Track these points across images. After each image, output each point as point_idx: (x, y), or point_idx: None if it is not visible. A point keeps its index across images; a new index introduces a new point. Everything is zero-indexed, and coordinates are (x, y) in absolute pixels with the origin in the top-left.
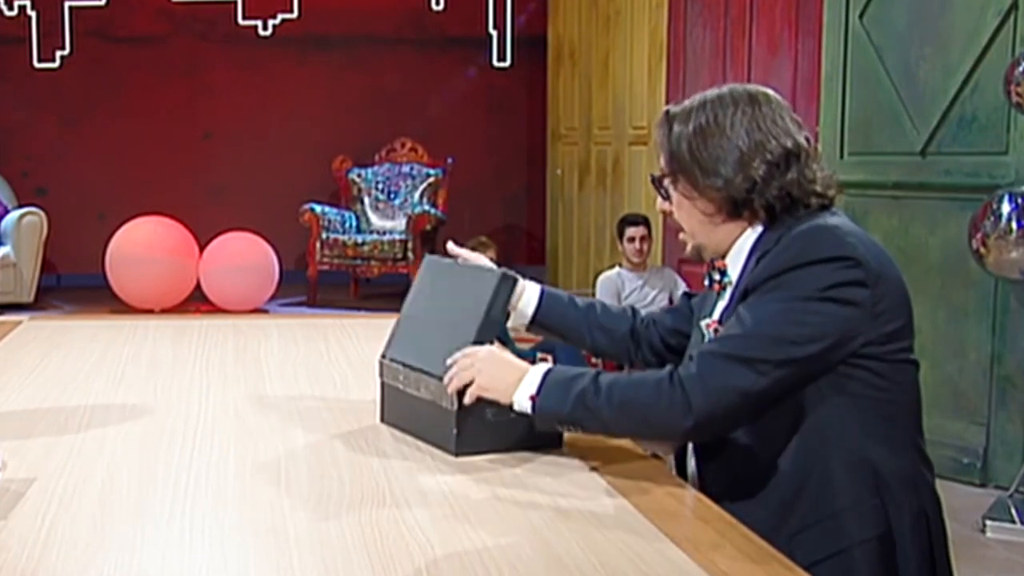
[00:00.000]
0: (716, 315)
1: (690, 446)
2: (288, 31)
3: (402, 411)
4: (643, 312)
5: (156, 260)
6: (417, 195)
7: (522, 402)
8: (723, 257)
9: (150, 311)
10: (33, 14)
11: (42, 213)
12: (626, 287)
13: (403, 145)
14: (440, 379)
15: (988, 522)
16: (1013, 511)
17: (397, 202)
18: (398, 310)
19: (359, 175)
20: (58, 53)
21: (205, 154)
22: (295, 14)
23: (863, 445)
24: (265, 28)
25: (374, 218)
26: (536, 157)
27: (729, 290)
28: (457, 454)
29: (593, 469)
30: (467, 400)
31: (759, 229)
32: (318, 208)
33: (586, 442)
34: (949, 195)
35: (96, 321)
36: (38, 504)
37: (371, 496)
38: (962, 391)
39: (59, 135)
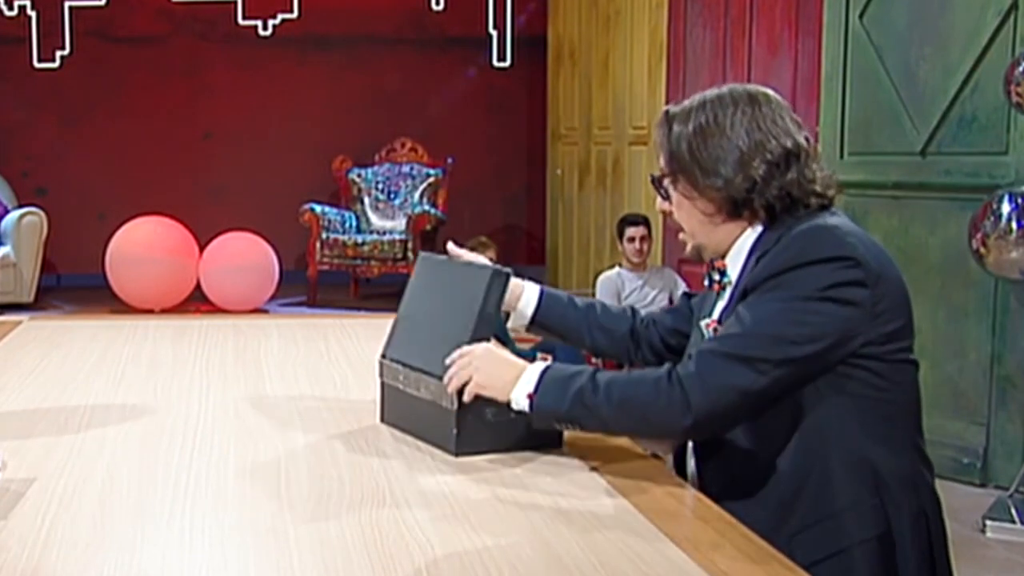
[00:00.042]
0: (716, 315)
1: (690, 446)
2: (288, 31)
3: (402, 411)
4: (643, 312)
5: (156, 260)
6: (417, 195)
7: (520, 400)
8: (723, 257)
9: (150, 311)
10: (33, 14)
11: (42, 213)
12: (626, 287)
13: (403, 145)
14: (440, 379)
15: (988, 522)
16: (1013, 511)
17: (397, 202)
18: (398, 310)
19: (359, 175)
20: (58, 53)
21: (205, 154)
22: (295, 14)
23: (863, 445)
24: (265, 28)
25: (374, 218)
26: (536, 157)
27: (729, 290)
28: (457, 454)
29: (593, 469)
30: (466, 398)
31: (759, 229)
32: (318, 208)
33: (586, 442)
34: (949, 195)
35: (96, 321)
36: (38, 504)
37: (371, 496)
38: (962, 391)
39: (59, 135)
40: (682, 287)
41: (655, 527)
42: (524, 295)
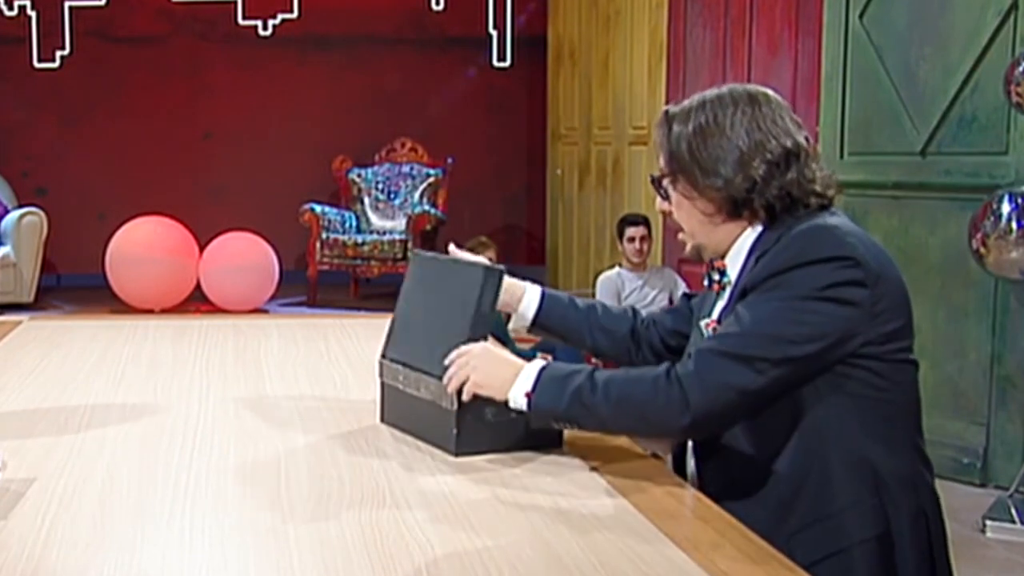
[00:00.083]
0: (715, 315)
1: (689, 445)
2: (288, 31)
3: (402, 411)
4: (643, 312)
5: (156, 260)
6: (417, 195)
7: (517, 399)
8: (722, 257)
9: (150, 311)
10: (33, 14)
11: (42, 213)
12: (626, 287)
13: (403, 145)
14: (439, 379)
15: (988, 522)
16: (1013, 511)
17: (397, 202)
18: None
19: (359, 175)
20: (58, 53)
21: (205, 154)
22: (295, 14)
23: (862, 445)
24: (265, 28)
25: (374, 218)
26: (536, 157)
27: (728, 290)
28: (457, 454)
29: (593, 469)
30: (464, 397)
31: (759, 229)
32: (318, 208)
33: (586, 442)
34: (949, 195)
35: (96, 321)
36: (38, 504)
37: (371, 496)
38: (962, 391)
39: (59, 135)
40: (682, 287)
41: (655, 527)
42: (525, 297)
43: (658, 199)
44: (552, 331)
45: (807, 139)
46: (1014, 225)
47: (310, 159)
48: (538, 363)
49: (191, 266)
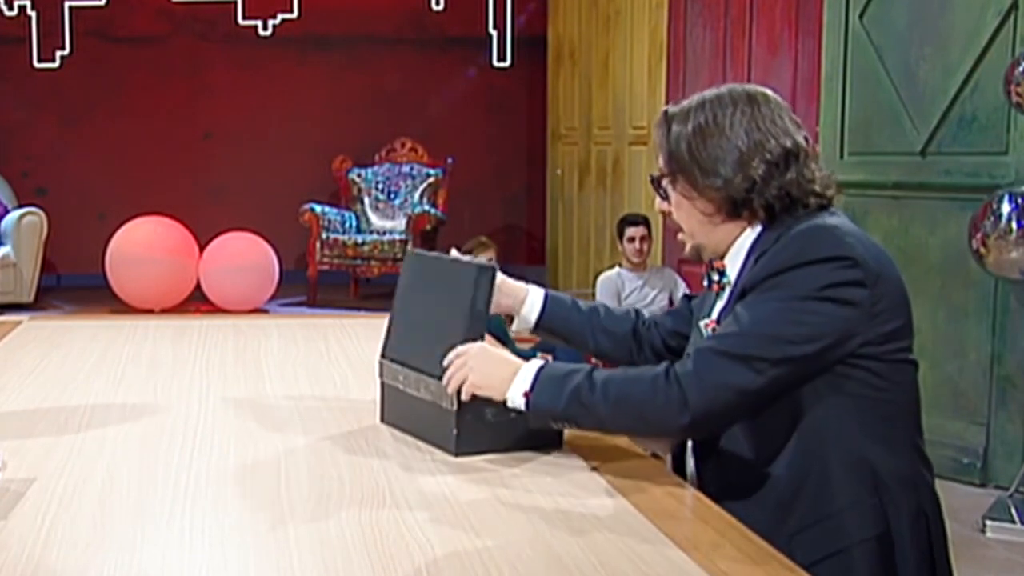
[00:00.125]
0: (714, 315)
1: (689, 445)
2: (288, 31)
3: (402, 411)
4: (645, 314)
5: (156, 260)
6: (417, 195)
7: (516, 399)
8: (722, 257)
9: (150, 311)
10: (33, 14)
11: (42, 213)
12: (626, 287)
13: (403, 145)
14: (439, 379)
15: (988, 522)
16: (1013, 511)
17: (397, 202)
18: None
19: (359, 175)
20: (58, 53)
21: (205, 154)
22: (295, 14)
23: (861, 445)
24: (265, 28)
25: (374, 218)
26: (536, 157)
27: (728, 290)
28: (457, 454)
29: (593, 469)
30: (463, 398)
31: (758, 229)
32: (318, 208)
33: (586, 442)
34: (949, 195)
35: (96, 321)
36: (38, 504)
37: (371, 496)
38: (962, 391)
39: (59, 135)
40: (682, 287)
41: (655, 527)
42: (528, 300)
43: (657, 199)
44: (555, 333)
45: (806, 139)
46: (1014, 225)
47: (310, 159)
48: (536, 362)
49: (191, 266)
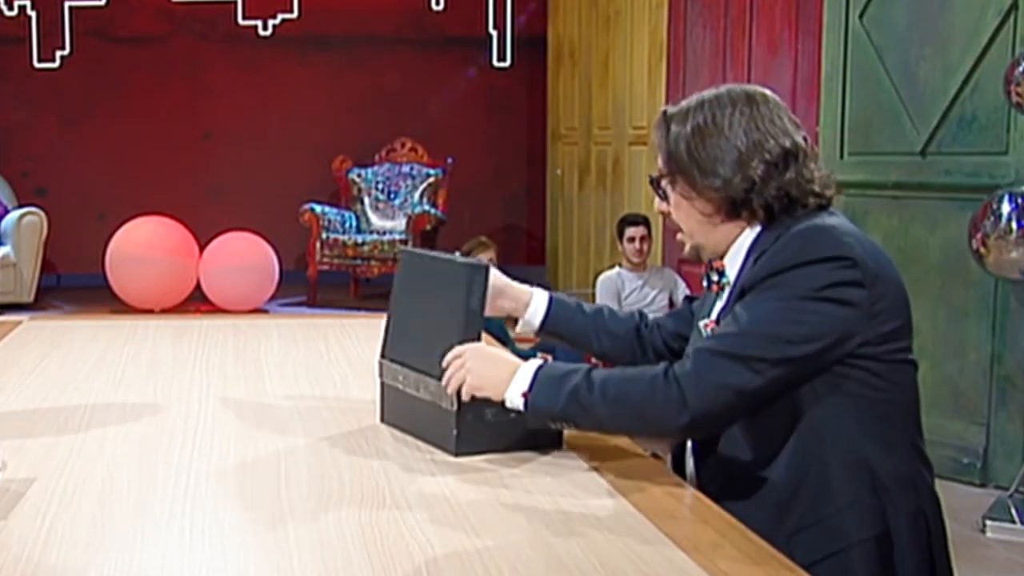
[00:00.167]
0: (713, 315)
1: (689, 446)
2: (288, 31)
3: (402, 411)
4: (650, 316)
5: (156, 260)
6: (417, 195)
7: (514, 399)
8: (721, 257)
9: (150, 311)
10: (33, 14)
11: (42, 213)
12: (626, 287)
13: (403, 145)
14: (439, 379)
15: (988, 522)
16: (1013, 511)
17: (397, 202)
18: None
19: (359, 175)
20: (58, 53)
21: (205, 154)
22: (295, 14)
23: (860, 445)
24: (265, 28)
25: (374, 218)
26: (536, 157)
27: (727, 290)
28: (457, 454)
29: (593, 469)
30: (464, 398)
31: (757, 229)
32: (318, 208)
33: (586, 442)
34: (949, 195)
35: (96, 321)
36: (38, 504)
37: (371, 496)
38: (962, 391)
39: (59, 135)
40: (682, 287)
41: (655, 527)
42: (532, 303)
43: (656, 200)
44: (559, 336)
45: (805, 139)
46: (1014, 225)
47: (310, 159)
48: (535, 362)
49: (191, 266)
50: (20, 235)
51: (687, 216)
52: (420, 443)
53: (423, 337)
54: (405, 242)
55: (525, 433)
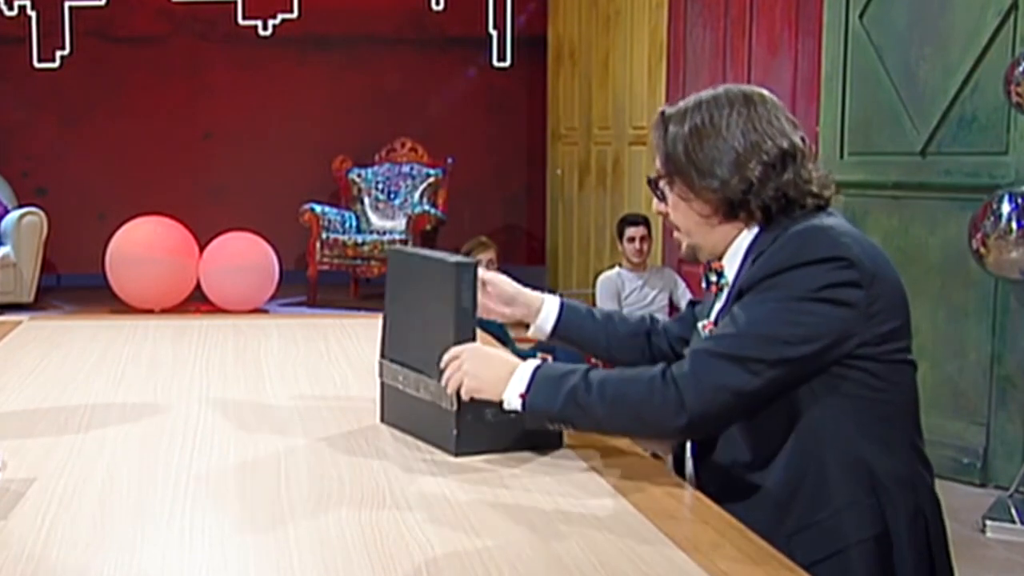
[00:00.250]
0: (712, 316)
1: (688, 446)
2: (288, 31)
3: (402, 411)
4: (642, 313)
5: (156, 260)
6: (417, 195)
7: (512, 399)
8: (720, 258)
9: (150, 311)
10: (33, 14)
11: (42, 213)
12: (626, 287)
13: (403, 145)
14: (438, 380)
15: (988, 522)
16: (1013, 511)
17: (397, 202)
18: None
19: (359, 175)
20: (58, 53)
21: (205, 154)
22: (295, 14)
23: (859, 446)
24: (265, 28)
25: (374, 218)
26: (536, 157)
27: (725, 291)
28: (457, 454)
29: (593, 469)
30: (464, 398)
31: (755, 230)
32: (318, 208)
33: (586, 442)
34: (949, 195)
35: (96, 321)
36: (38, 504)
37: (371, 496)
38: (962, 391)
39: (59, 135)
40: (682, 287)
41: (655, 527)
42: (544, 308)
43: (655, 200)
44: (570, 341)
45: (803, 139)
46: (1014, 225)
47: (310, 159)
48: (532, 363)
49: (191, 266)
50: (20, 235)
51: (685, 217)
52: (420, 443)
53: (419, 337)
54: (405, 242)
55: (525, 433)
